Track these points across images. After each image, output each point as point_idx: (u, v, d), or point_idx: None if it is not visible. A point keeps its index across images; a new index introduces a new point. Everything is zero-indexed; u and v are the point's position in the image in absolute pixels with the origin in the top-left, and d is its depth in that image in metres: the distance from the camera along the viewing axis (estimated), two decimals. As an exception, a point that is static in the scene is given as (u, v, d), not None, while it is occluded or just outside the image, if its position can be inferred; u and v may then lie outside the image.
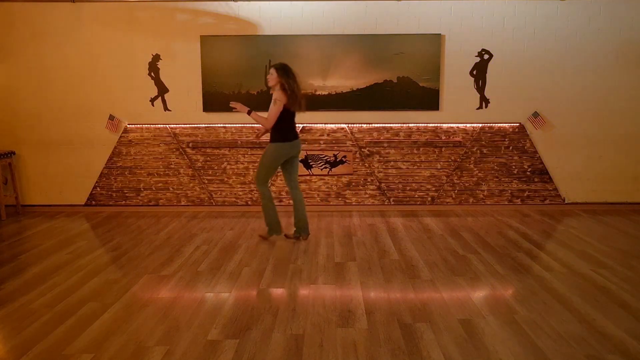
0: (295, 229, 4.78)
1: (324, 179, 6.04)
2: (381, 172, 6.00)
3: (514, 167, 5.97)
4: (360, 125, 5.96)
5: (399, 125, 5.94)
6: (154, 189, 6.05)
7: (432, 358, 2.61)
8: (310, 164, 6.00)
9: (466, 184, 6.01)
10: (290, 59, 5.76)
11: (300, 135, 5.93)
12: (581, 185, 6.00)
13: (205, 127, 5.99)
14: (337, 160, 6.00)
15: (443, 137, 5.95)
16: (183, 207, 6.01)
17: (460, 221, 5.46)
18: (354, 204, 6.04)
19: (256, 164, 6.00)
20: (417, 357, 2.62)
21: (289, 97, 4.42)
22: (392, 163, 6.00)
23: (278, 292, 3.53)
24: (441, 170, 5.99)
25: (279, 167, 4.67)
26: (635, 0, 5.69)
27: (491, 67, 5.84)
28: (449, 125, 5.93)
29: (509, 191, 6.00)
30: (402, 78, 5.81)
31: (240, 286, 3.63)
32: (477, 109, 5.92)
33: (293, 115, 4.59)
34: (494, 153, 5.96)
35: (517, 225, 5.26)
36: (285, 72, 4.47)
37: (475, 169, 5.99)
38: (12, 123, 5.99)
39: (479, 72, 5.86)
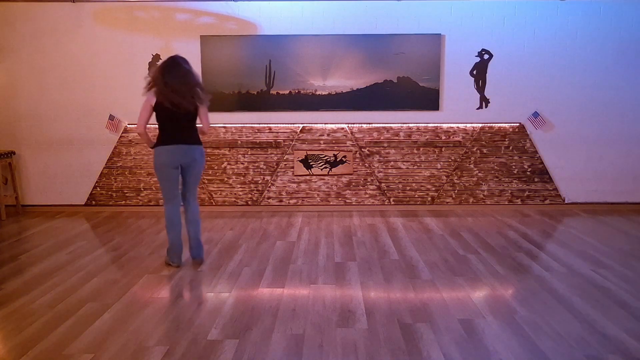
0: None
1: (324, 179, 6.04)
2: (381, 172, 6.00)
3: (514, 167, 5.96)
4: (360, 125, 5.95)
5: (399, 125, 5.94)
6: (154, 189, 6.05)
7: (432, 358, 2.61)
8: (310, 164, 6.00)
9: (466, 184, 6.01)
10: (290, 59, 5.79)
11: (300, 135, 5.97)
12: (581, 185, 5.99)
13: (205, 127, 5.98)
14: (337, 160, 5.99)
15: (443, 137, 5.95)
16: (183, 207, 5.99)
17: (460, 221, 5.46)
18: (354, 204, 6.04)
19: (256, 164, 6.00)
20: (417, 357, 2.62)
21: (159, 91, 3.74)
22: (392, 163, 6.00)
23: (278, 292, 3.53)
24: (441, 170, 5.99)
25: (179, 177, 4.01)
26: (635, 0, 5.69)
27: (491, 67, 5.83)
28: (449, 125, 5.93)
29: (509, 191, 6.00)
30: (402, 78, 5.81)
31: (240, 286, 3.63)
32: (477, 109, 5.92)
33: (173, 114, 3.77)
34: (494, 153, 5.96)
35: (517, 225, 5.26)
36: (162, 65, 3.87)
37: (475, 169, 5.98)
38: (12, 123, 5.98)
39: (479, 72, 5.85)
